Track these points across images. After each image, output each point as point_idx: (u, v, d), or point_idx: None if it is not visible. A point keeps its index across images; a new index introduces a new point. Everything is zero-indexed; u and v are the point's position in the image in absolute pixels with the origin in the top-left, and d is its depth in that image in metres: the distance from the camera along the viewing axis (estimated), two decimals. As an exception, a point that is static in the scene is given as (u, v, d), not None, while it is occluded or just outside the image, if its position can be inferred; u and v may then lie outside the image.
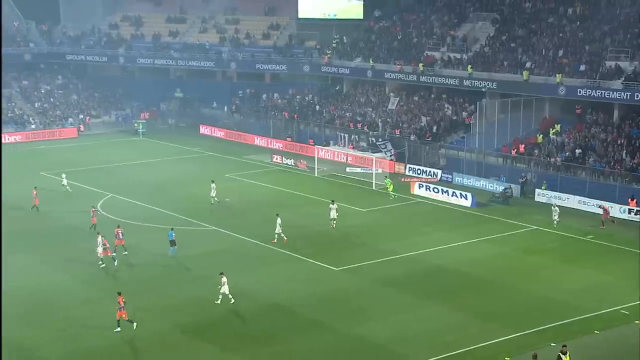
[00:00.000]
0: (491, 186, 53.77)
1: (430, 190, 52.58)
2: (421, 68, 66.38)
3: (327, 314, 32.01)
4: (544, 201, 50.68)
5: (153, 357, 28.51)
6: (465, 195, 50.55)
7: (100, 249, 37.70)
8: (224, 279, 32.83)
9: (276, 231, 41.19)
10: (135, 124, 77.08)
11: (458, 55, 66.39)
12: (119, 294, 30.55)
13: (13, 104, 79.01)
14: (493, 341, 29.44)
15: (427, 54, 68.31)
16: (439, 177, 56.91)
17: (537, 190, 51.94)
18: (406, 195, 52.73)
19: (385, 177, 54.08)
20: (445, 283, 35.89)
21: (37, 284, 35.33)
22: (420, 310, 32.70)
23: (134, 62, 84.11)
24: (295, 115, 72.96)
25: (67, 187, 52.42)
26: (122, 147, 71.10)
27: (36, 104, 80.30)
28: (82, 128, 77.12)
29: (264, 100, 78.98)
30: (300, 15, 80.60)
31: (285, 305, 32.94)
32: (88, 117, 78.77)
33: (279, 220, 41.24)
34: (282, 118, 73.54)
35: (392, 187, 51.68)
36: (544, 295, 34.31)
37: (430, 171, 57.83)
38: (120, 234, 39.19)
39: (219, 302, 32.78)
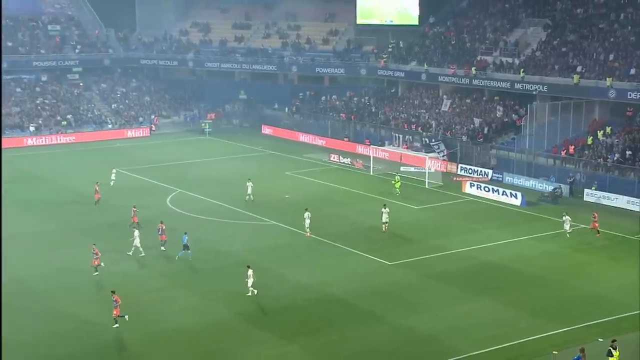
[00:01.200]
0: (540, 186, 52.72)
1: (481, 189, 51.90)
2: (474, 71, 65.48)
3: (380, 306, 31.84)
4: (593, 201, 49.46)
5: (213, 343, 28.70)
6: (515, 194, 49.72)
7: (138, 241, 37.75)
8: (250, 272, 32.63)
9: (306, 225, 41.16)
10: (202, 124, 77.87)
11: (510, 59, 65.17)
12: (113, 292, 30.06)
13: (93, 105, 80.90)
14: (541, 335, 28.87)
15: (480, 58, 67.30)
16: (489, 176, 56.16)
17: (586, 190, 50.67)
18: (458, 193, 52.23)
19: (397, 173, 54.76)
20: (494, 278, 35.33)
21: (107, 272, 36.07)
22: (470, 304, 32.30)
23: (202, 65, 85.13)
24: (353, 117, 72.84)
25: (113, 181, 52.80)
26: (190, 145, 71.90)
27: (113, 105, 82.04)
28: (153, 127, 78.37)
29: (323, 102, 79.03)
30: (358, 22, 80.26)
31: (340, 297, 32.84)
32: (156, 118, 79.86)
33: (307, 214, 41.27)
34: (339, 119, 73.48)
35: (399, 184, 51.58)
36: (592, 292, 33.49)
37: (481, 171, 57.11)
38: (162, 230, 38.87)
39: (250, 294, 32.57)
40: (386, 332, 29.38)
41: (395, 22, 77.94)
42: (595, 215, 42.31)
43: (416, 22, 76.82)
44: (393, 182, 52.23)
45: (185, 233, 38.45)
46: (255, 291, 32.74)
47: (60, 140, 72.33)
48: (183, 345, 28.43)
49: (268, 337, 29.09)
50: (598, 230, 41.63)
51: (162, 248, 38.86)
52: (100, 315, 30.64)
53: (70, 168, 60.51)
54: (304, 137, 73.50)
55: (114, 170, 54.46)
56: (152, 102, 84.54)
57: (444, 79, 68.36)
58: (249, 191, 48.78)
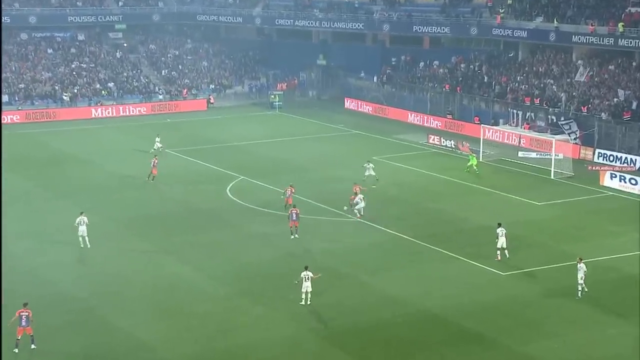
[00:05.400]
0: None
1: (625, 182, 50.82)
2: (621, 29, 63.93)
3: (490, 327, 31.60)
4: None
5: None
6: (671, 189, 48.54)
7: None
8: (306, 273, 32.92)
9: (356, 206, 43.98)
10: (271, 96, 78.62)
11: (669, 13, 63.46)
12: (25, 305, 29.61)
13: (139, 71, 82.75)
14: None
15: (629, 10, 65.61)
16: (637, 165, 54.95)
17: None
18: (594, 187, 51.34)
19: (472, 153, 56.45)
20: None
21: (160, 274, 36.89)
22: (609, 328, 31.65)
23: (272, 23, 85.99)
24: (458, 88, 72.25)
25: (158, 148, 56.92)
26: (256, 122, 72.61)
27: (163, 71, 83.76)
28: (212, 100, 79.60)
29: (421, 70, 78.69)
30: (469, -33, 79.77)
31: (438, 314, 32.76)
32: (211, 97, 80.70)
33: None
34: (442, 91, 72.98)
35: (474, 162, 54.30)
36: None
37: (626, 158, 56.06)
38: (295, 215, 40.79)
39: (302, 303, 32.92)
40: (497, 361, 29.09)
41: (516, -33, 76.72)
42: None
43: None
44: (469, 162, 54.28)
45: None
46: (309, 301, 32.97)
47: (99, 113, 74.32)
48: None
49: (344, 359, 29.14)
50: None
51: (295, 236, 40.88)
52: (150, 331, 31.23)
53: (112, 148, 62.10)
54: (396, 114, 73.26)
55: (158, 138, 57.53)
56: (210, 68, 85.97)
57: (579, 39, 66.97)
58: (370, 173, 50.53)
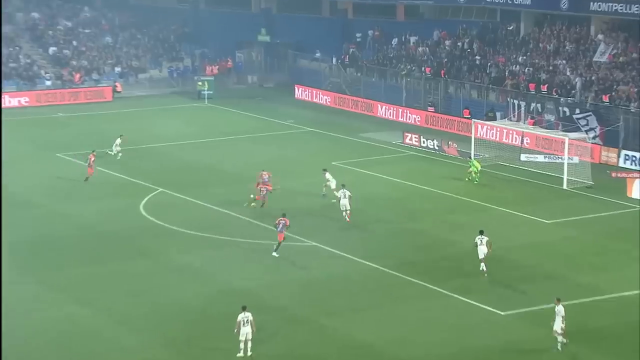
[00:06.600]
0: None
1: (660, 193, 51.49)
2: (654, -7, 64.76)
3: (488, 384, 31.68)
4: None
5: None
6: None
7: None
8: (245, 316, 32.95)
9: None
10: (199, 83, 78.88)
11: None
12: None
13: (17, 48, 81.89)
14: None
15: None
16: (675, 172, 55.51)
17: None
18: (619, 199, 52.02)
19: (469, 159, 56.71)
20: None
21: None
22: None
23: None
24: (443, 72, 72.68)
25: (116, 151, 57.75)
26: (178, 117, 72.73)
27: (51, 49, 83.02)
28: (118, 87, 79.67)
29: (394, 48, 79.17)
30: None
31: (421, 367, 32.81)
32: (117, 84, 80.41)
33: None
34: (421, 76, 73.39)
35: (476, 168, 54.38)
36: None
37: (661, 162, 56.72)
38: (282, 226, 42.74)
39: (241, 354, 32.94)
40: None
41: None
42: None
43: None
44: (469, 168, 53.92)
45: None
46: (250, 352, 32.99)
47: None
48: None
49: None
50: None
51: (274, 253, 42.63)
52: None
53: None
54: (362, 106, 73.57)
55: (119, 140, 58.03)
56: (116, 45, 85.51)
57: (599, 6, 67.45)
58: (333, 186, 50.72)
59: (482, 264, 40.28)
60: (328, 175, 51.11)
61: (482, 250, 40.19)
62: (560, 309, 33.62)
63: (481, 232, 40.83)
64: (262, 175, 49.57)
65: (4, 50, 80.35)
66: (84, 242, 44.88)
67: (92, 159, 53.42)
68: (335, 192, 49.72)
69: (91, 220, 48.20)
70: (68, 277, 40.35)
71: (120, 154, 58.94)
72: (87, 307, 37.48)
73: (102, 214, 49.07)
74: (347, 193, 47.69)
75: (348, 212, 47.44)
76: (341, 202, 47.74)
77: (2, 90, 74.37)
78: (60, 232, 46.22)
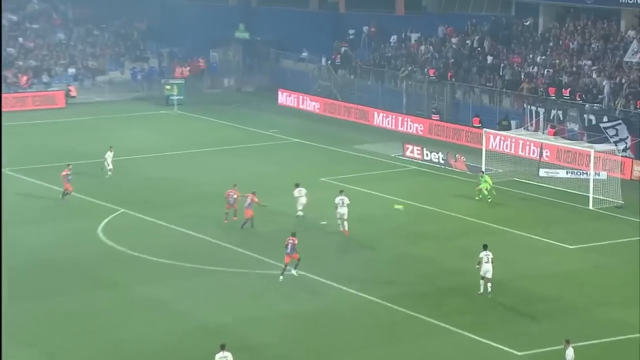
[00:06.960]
0: None
1: (703, 216, 51.75)
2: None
3: None
4: None
5: None
6: None
7: None
8: (224, 355, 32.66)
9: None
10: (167, 87, 78.79)
11: None
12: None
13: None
14: None
15: None
16: None
17: None
18: (651, 221, 52.27)
19: (480, 174, 56.67)
20: None
21: None
22: None
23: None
24: (449, 74, 72.66)
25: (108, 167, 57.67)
26: (142, 126, 72.81)
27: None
28: (72, 92, 79.44)
29: (393, 47, 79.29)
30: None
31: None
32: (71, 87, 79.61)
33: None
34: (424, 78, 73.40)
35: (487, 185, 54.72)
36: None
37: None
38: (290, 247, 43.23)
39: None
40: None
41: None
42: None
43: None
44: (481, 184, 54.78)
45: None
46: None
47: None
48: None
49: None
50: None
51: (292, 271, 43.22)
52: None
53: None
54: (356, 113, 73.68)
55: (111, 153, 58.18)
56: (70, 43, 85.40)
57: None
58: (302, 202, 51.63)
59: (488, 285, 41.25)
60: (298, 191, 51.35)
61: (488, 269, 41.14)
62: (570, 352, 33.45)
63: (485, 247, 41.71)
64: (228, 194, 50.11)
65: None
66: (31, 272, 44.29)
67: (65, 172, 52.95)
68: (300, 211, 51.29)
69: (40, 246, 47.60)
70: (12, 314, 38.94)
71: (110, 172, 58.56)
72: (32, 348, 36.73)
73: (52, 239, 48.51)
74: (346, 201, 48.69)
75: (345, 222, 48.34)
76: (338, 210, 48.73)
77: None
78: (5, 261, 44.76)
